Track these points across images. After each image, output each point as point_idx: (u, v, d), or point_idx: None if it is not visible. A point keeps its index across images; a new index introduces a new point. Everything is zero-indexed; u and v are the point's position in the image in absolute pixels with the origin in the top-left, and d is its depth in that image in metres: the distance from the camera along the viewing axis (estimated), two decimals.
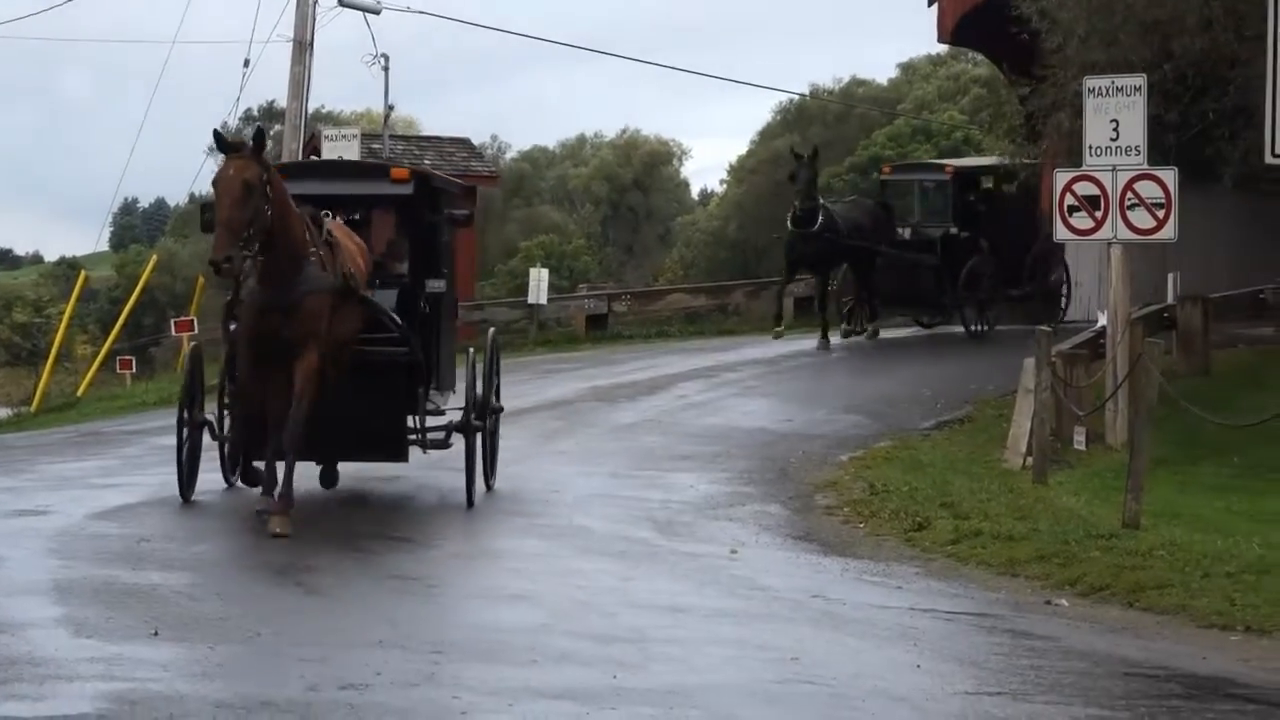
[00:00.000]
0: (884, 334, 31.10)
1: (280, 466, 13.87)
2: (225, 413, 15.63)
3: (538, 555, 13.50)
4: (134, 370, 40.02)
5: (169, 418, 16.19)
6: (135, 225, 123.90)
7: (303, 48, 31.33)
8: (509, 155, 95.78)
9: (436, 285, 15.90)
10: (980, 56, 51.77)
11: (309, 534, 13.72)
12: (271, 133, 14.07)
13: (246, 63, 32.21)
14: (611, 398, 24.00)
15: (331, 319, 14.36)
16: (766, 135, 79.91)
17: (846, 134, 73.84)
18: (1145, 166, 19.02)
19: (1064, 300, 32.44)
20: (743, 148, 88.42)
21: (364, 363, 15.09)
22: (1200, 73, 23.85)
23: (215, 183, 13.84)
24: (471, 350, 16.16)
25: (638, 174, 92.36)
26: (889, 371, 26.75)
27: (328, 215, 14.89)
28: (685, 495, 16.78)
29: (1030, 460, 17.83)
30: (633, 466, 18.48)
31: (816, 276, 30.75)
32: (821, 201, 29.89)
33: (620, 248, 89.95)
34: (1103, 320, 21.31)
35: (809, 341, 29.98)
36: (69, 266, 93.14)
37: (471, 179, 35.25)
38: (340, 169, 18.89)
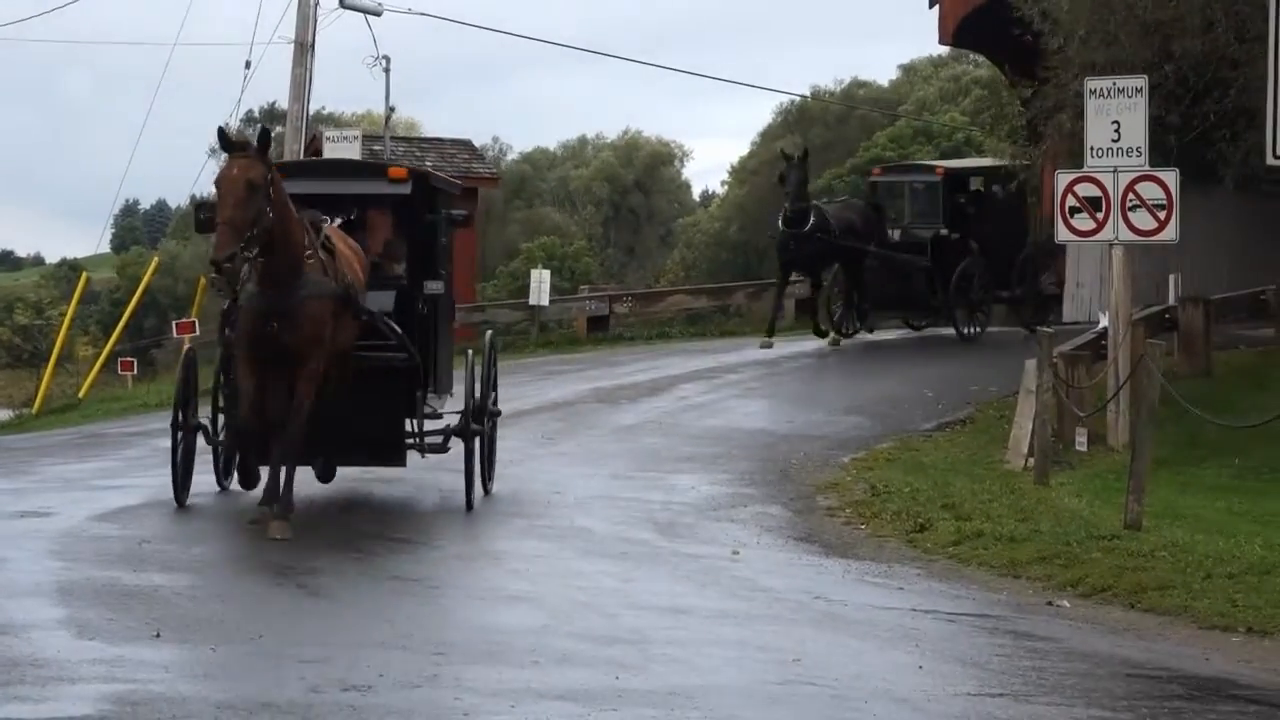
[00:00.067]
0: (876, 336, 31.02)
1: (281, 473, 13.83)
2: (219, 416, 15.54)
3: (539, 556, 13.49)
4: (135, 372, 39.96)
5: (170, 420, 16.14)
6: (136, 227, 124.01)
7: (304, 49, 31.33)
8: (510, 157, 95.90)
9: (434, 287, 15.75)
10: (981, 58, 51.77)
11: (310, 536, 13.72)
12: (273, 134, 14.01)
13: (248, 65, 32.21)
14: (613, 399, 24.00)
15: (333, 326, 14.27)
16: (768, 136, 79.90)
17: (848, 135, 73.86)
18: (1147, 168, 19.03)
19: (1057, 301, 32.40)
20: (744, 149, 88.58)
21: (362, 367, 14.97)
22: (1201, 74, 23.86)
23: (218, 182, 13.65)
24: (470, 353, 16.07)
25: (639, 175, 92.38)
26: (890, 373, 26.74)
27: (326, 220, 14.73)
28: (686, 496, 16.78)
29: (1032, 461, 17.83)
30: (634, 468, 18.48)
31: (810, 278, 30.71)
32: (813, 203, 29.80)
33: (621, 249, 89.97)
34: (1104, 321, 21.31)
35: (809, 343, 29.98)
36: (70, 268, 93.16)
37: (473, 180, 35.35)
38: (338, 168, 18.75)
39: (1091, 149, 19.15)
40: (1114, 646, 11.04)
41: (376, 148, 35.53)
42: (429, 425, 15.53)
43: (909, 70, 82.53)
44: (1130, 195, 18.94)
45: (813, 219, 29.05)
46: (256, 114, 78.50)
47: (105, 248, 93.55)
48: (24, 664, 8.99)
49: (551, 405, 23.38)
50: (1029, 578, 13.36)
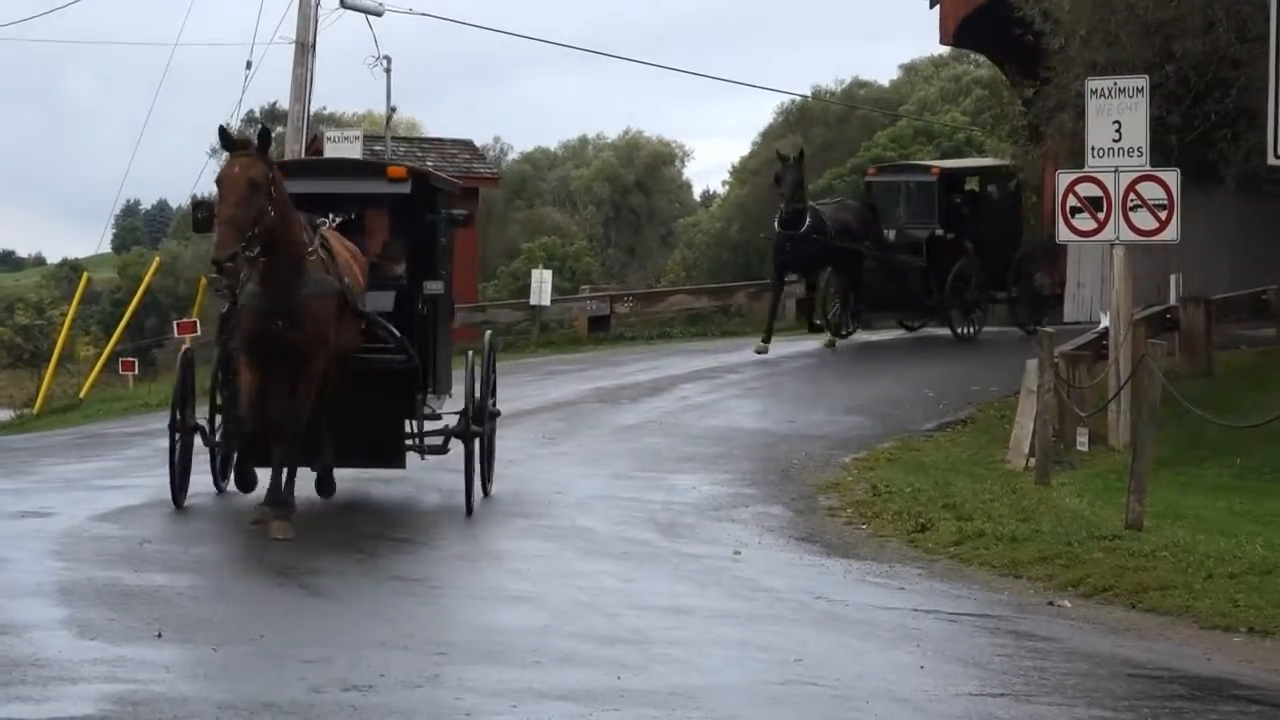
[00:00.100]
0: (873, 336, 30.99)
1: (282, 474, 13.82)
2: (217, 418, 15.46)
3: (540, 556, 13.49)
4: (136, 372, 39.97)
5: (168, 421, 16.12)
6: (138, 227, 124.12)
7: (305, 49, 31.34)
8: (511, 157, 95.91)
9: (434, 287, 15.64)
10: (982, 58, 51.77)
11: (311, 536, 13.72)
12: (274, 134, 13.97)
13: (249, 65, 32.21)
14: (614, 399, 24.00)
15: (336, 325, 14.21)
16: (769, 136, 79.88)
17: (848, 135, 73.84)
18: (1148, 168, 19.03)
19: (1053, 301, 32.38)
20: (745, 149, 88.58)
21: (362, 369, 14.88)
22: (1202, 74, 23.87)
23: (220, 180, 13.50)
24: (470, 354, 15.99)
25: (640, 175, 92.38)
26: (891, 373, 26.73)
27: (323, 222, 14.61)
28: (688, 496, 16.78)
29: (1033, 461, 17.83)
30: (635, 468, 18.48)
31: (805, 279, 30.63)
32: (809, 204, 29.67)
33: (622, 249, 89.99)
34: (1105, 321, 21.31)
35: (809, 343, 29.97)
36: (71, 268, 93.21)
37: (474, 180, 35.35)
38: (337, 167, 18.65)
39: (1093, 149, 19.15)
40: (1115, 646, 11.04)
41: (378, 148, 35.53)
42: (428, 426, 15.48)
43: (910, 70, 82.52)
44: (1131, 195, 18.94)
45: (809, 220, 28.84)
46: (257, 114, 78.48)
47: (106, 248, 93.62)
48: (25, 664, 8.99)
49: (552, 405, 23.38)
50: (1030, 578, 13.36)
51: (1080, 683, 9.83)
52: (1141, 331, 20.12)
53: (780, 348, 29.24)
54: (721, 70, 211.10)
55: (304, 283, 13.86)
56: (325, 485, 15.51)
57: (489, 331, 17.62)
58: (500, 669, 9.39)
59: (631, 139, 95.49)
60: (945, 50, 65.53)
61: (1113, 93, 19.04)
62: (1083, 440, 19.00)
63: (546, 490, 16.73)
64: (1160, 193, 18.89)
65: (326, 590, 11.75)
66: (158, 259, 52.94)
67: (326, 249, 14.27)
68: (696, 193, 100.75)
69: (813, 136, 73.65)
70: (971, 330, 30.40)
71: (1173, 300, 25.50)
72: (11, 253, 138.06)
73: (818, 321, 30.24)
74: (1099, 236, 19.34)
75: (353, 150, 30.15)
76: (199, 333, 32.98)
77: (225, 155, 14.03)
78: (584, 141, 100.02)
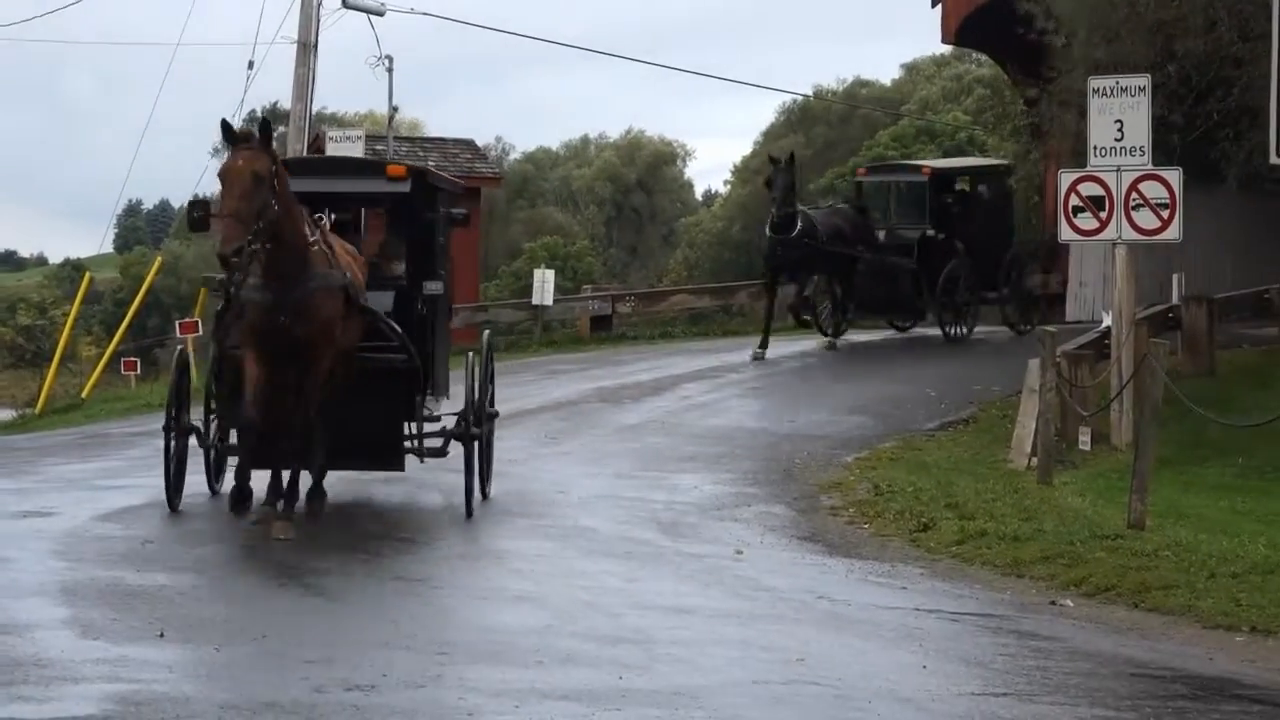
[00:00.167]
0: (864, 337, 30.91)
1: (284, 474, 13.80)
2: (212, 419, 15.34)
3: (542, 556, 13.49)
4: (138, 372, 40.06)
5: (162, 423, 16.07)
6: (140, 227, 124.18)
7: (307, 49, 31.35)
8: (513, 156, 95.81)
9: (433, 287, 15.53)
10: (984, 57, 51.78)
11: (313, 536, 13.71)
12: (276, 134, 13.92)
13: (250, 65, 32.22)
14: (616, 399, 24.00)
15: (343, 320, 14.13)
16: (770, 136, 79.82)
17: (850, 135, 73.80)
18: (1150, 167, 19.02)
19: (1043, 302, 32.35)
20: (747, 148, 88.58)
21: (362, 369, 14.78)
22: (1204, 73, 23.88)
23: (223, 173, 13.38)
24: (470, 355, 15.91)
25: (641, 175, 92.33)
26: (892, 372, 26.73)
27: (320, 219, 14.48)
28: (690, 496, 16.77)
29: (1035, 461, 17.82)
30: (637, 467, 18.48)
31: (796, 283, 30.52)
32: (800, 208, 29.50)
33: (624, 249, 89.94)
34: (1107, 320, 21.31)
35: (810, 343, 29.97)
36: (73, 268, 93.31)
37: (475, 180, 35.34)
38: (337, 166, 18.55)
39: (1095, 148, 19.15)
40: (1118, 646, 11.04)
41: (380, 147, 35.53)
42: (426, 428, 15.41)
43: (911, 69, 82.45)
44: (1134, 194, 18.94)
45: (800, 224, 28.65)
46: (259, 114, 78.36)
47: (108, 248, 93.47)
48: (28, 664, 8.99)
49: (555, 405, 23.38)
50: (1032, 577, 13.36)
51: (1083, 682, 9.83)
52: (1144, 331, 20.10)
53: (781, 348, 29.23)
54: (723, 70, 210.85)
55: (309, 276, 13.72)
56: (315, 495, 14.75)
57: (487, 332, 17.58)
58: (503, 669, 9.39)
59: (633, 138, 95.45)
60: (947, 49, 65.51)
61: (1115, 92, 19.04)
62: (1085, 439, 19.00)
63: (549, 490, 16.73)
64: (1162, 192, 18.88)
65: (329, 590, 11.74)
66: (160, 259, 52.92)
67: (327, 243, 14.20)
68: (698, 192, 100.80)
69: (814, 136, 73.66)
70: (962, 331, 30.33)
71: (1175, 299, 25.50)
72: (14, 253, 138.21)
73: (806, 318, 30.12)
74: (1101, 236, 19.33)
75: (355, 150, 30.16)
76: (200, 333, 32.99)
77: (228, 149, 13.91)
78: (586, 141, 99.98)
